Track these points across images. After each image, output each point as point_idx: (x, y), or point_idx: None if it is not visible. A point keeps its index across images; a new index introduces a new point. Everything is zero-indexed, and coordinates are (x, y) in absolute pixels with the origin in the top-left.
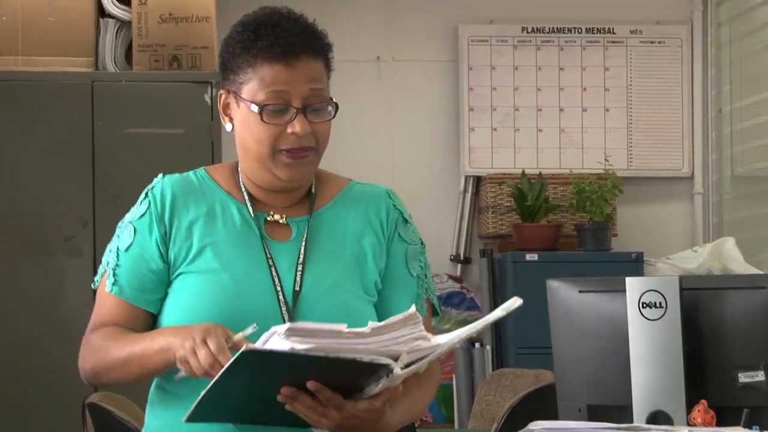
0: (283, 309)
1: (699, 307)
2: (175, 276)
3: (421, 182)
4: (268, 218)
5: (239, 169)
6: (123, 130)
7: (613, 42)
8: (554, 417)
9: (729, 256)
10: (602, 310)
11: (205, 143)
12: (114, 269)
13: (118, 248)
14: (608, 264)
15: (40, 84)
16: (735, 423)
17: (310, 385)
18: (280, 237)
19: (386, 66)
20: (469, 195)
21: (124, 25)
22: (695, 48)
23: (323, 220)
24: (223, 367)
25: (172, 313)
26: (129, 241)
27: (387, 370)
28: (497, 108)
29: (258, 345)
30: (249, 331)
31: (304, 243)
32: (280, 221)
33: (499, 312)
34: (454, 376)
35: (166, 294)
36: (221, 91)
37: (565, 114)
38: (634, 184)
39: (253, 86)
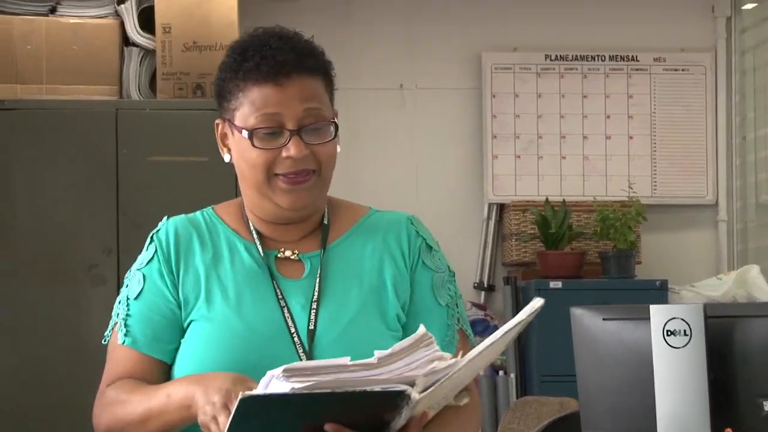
0: (299, 350)
1: (724, 335)
2: (186, 324)
3: (444, 210)
4: (279, 255)
5: (244, 204)
6: (147, 158)
7: (637, 69)
8: None
9: (754, 284)
10: (626, 338)
11: (229, 171)
12: (125, 320)
13: (128, 297)
14: (632, 292)
15: (65, 112)
16: None
17: (328, 427)
18: (292, 274)
19: (409, 94)
20: (492, 222)
21: (149, 53)
22: (719, 75)
23: (338, 252)
24: None
25: (185, 362)
26: (138, 288)
27: (405, 397)
28: (521, 135)
29: (258, 390)
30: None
31: (318, 279)
32: (292, 257)
33: (522, 314)
34: None
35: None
36: (217, 121)
37: (589, 141)
38: (658, 212)
39: (244, 111)
